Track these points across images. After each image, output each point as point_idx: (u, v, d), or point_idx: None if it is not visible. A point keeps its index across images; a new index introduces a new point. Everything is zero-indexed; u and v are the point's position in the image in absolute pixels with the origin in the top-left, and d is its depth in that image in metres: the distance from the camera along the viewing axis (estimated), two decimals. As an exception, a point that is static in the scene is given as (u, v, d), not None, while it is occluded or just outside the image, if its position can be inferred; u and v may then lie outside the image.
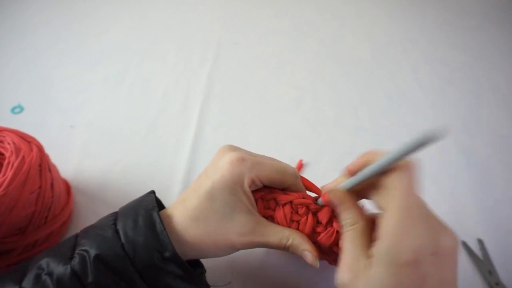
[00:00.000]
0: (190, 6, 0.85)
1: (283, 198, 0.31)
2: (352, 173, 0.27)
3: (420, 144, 0.22)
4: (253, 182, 0.30)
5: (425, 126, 0.58)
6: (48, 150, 0.42)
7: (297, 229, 0.30)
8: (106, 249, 0.27)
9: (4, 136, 0.38)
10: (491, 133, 0.57)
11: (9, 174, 0.34)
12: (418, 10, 0.85)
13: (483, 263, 0.41)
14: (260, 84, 0.65)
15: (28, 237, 0.36)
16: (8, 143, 0.37)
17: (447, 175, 0.51)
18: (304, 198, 0.31)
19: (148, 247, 0.27)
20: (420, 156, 0.54)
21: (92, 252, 0.26)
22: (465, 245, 0.43)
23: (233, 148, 0.32)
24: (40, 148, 0.39)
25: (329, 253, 0.31)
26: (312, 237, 0.30)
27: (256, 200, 0.31)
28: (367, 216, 0.27)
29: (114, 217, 0.29)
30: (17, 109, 0.59)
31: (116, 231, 0.28)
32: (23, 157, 0.36)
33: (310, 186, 0.34)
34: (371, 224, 0.27)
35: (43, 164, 0.38)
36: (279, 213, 0.31)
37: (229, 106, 0.61)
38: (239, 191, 0.29)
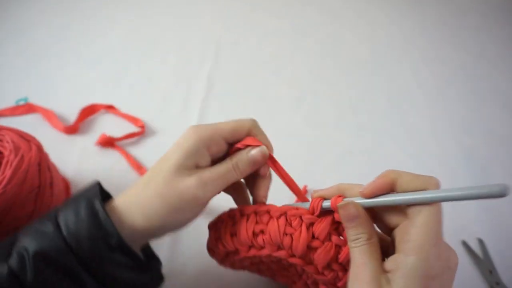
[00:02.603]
0: (190, 6, 0.85)
1: (277, 209, 0.29)
2: (370, 195, 0.26)
3: (476, 197, 0.20)
4: (211, 138, 0.29)
5: (425, 126, 0.58)
6: (48, 149, 0.42)
7: (290, 245, 0.27)
8: (47, 244, 0.25)
9: (3, 135, 0.38)
10: (491, 133, 0.57)
11: (8, 172, 0.34)
12: (418, 10, 0.85)
13: (483, 263, 0.41)
14: (260, 84, 0.65)
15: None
16: (7, 142, 0.37)
17: (447, 175, 0.51)
18: (297, 209, 0.28)
19: (92, 238, 0.26)
20: (420, 156, 0.55)
21: (31, 249, 0.25)
22: (465, 244, 0.43)
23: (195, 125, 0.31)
24: (39, 147, 0.39)
25: (325, 273, 0.28)
26: (307, 255, 0.27)
27: (248, 216, 0.29)
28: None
29: (56, 210, 0.28)
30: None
31: (57, 225, 0.26)
32: (22, 156, 0.36)
33: (288, 182, 0.31)
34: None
35: (42, 163, 0.38)
36: (273, 226, 0.28)
37: (229, 106, 0.61)
38: (195, 151, 0.28)
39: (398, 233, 0.24)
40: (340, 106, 0.61)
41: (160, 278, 0.31)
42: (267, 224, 0.28)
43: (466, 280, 0.40)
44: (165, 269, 0.33)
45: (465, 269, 0.41)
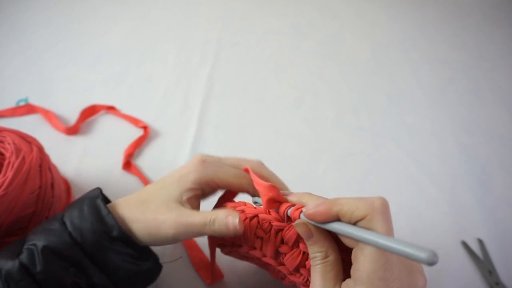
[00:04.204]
0: (190, 6, 0.85)
1: (251, 211, 0.29)
2: (310, 218, 0.25)
3: (410, 256, 0.18)
4: (207, 183, 0.31)
5: (425, 126, 0.58)
6: (49, 150, 0.42)
7: (261, 247, 0.29)
8: (54, 240, 0.28)
9: (4, 137, 0.38)
10: (491, 133, 0.57)
11: (10, 174, 0.34)
12: (418, 10, 0.85)
13: (483, 263, 0.41)
14: (260, 84, 0.65)
15: (29, 237, 0.36)
16: (9, 144, 0.37)
17: (447, 175, 0.51)
18: (269, 213, 0.28)
19: (95, 231, 0.28)
20: (420, 156, 0.55)
21: (40, 244, 0.27)
22: (465, 245, 0.43)
23: (204, 155, 0.33)
24: (40, 149, 0.39)
25: (296, 275, 0.29)
26: (277, 258, 0.29)
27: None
28: (338, 247, 0.26)
29: (61, 213, 0.31)
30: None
31: (63, 223, 0.29)
32: (24, 158, 0.36)
33: (260, 189, 0.29)
34: (342, 255, 0.25)
35: (44, 164, 0.38)
36: (246, 226, 0.29)
37: (229, 106, 0.61)
38: (186, 190, 0.30)
39: (353, 255, 0.23)
40: (340, 106, 0.61)
41: (159, 266, 0.33)
42: (243, 221, 0.29)
43: (465, 280, 0.40)
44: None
45: (465, 269, 0.41)
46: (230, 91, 0.63)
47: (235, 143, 0.55)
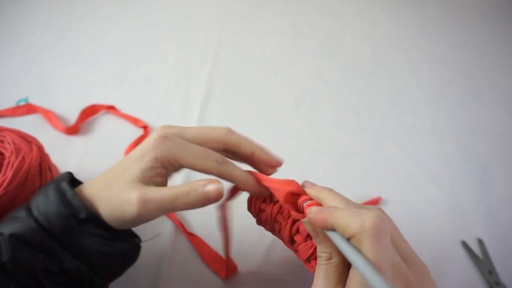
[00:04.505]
0: (190, 6, 0.85)
1: (278, 193, 0.29)
2: (314, 224, 0.25)
3: None
4: (168, 161, 0.29)
5: (425, 126, 0.58)
6: (49, 150, 0.42)
7: (279, 231, 0.30)
8: (20, 227, 0.27)
9: (4, 136, 0.38)
10: (491, 133, 0.57)
11: (9, 174, 0.34)
12: (417, 10, 0.85)
13: (483, 263, 0.41)
14: (260, 84, 0.65)
15: (28, 237, 0.36)
16: (8, 143, 0.37)
17: (447, 175, 0.51)
18: (292, 202, 0.29)
19: (61, 214, 0.27)
20: (420, 156, 0.55)
21: (6, 232, 0.27)
22: (465, 245, 0.43)
23: (167, 127, 0.30)
24: (40, 148, 0.39)
25: (308, 266, 0.29)
26: (293, 244, 0.30)
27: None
28: None
29: (28, 201, 0.30)
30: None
31: (29, 209, 0.28)
32: (23, 157, 0.36)
33: (270, 186, 0.29)
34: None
35: (44, 164, 0.38)
36: (268, 209, 0.30)
37: (229, 106, 0.61)
38: (148, 169, 0.28)
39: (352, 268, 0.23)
40: (340, 106, 0.61)
41: (136, 246, 0.31)
42: (268, 205, 0.30)
43: (465, 280, 0.40)
44: None
45: (465, 269, 0.41)
46: (230, 91, 0.63)
47: (235, 143, 0.55)
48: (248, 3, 0.86)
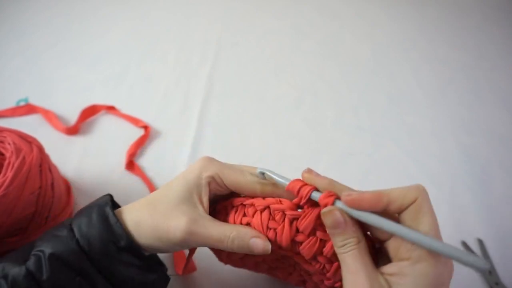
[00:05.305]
0: (190, 6, 0.85)
1: (261, 203, 0.29)
2: (352, 205, 0.25)
3: (461, 260, 0.21)
4: (214, 180, 0.30)
5: (425, 126, 0.58)
6: (49, 150, 0.42)
7: (275, 238, 0.28)
8: (61, 247, 0.27)
9: (4, 137, 0.38)
10: (491, 133, 0.57)
11: (10, 174, 0.34)
12: (418, 10, 0.85)
13: (483, 263, 0.41)
14: (260, 84, 0.65)
15: (29, 237, 0.36)
16: (9, 144, 0.37)
17: (447, 175, 0.51)
18: (280, 203, 0.28)
19: (102, 240, 0.27)
20: (420, 156, 0.55)
21: (47, 251, 0.27)
22: (465, 245, 0.43)
23: (209, 157, 0.32)
24: (40, 149, 0.39)
25: (313, 263, 0.28)
26: (293, 248, 0.28)
27: (237, 208, 0.30)
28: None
29: (70, 219, 0.30)
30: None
31: (71, 229, 0.28)
32: (24, 158, 0.36)
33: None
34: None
35: (44, 165, 0.38)
36: (256, 220, 0.28)
37: (229, 106, 0.61)
38: (196, 186, 0.29)
39: (392, 250, 0.24)
40: (340, 106, 0.61)
41: (165, 277, 0.32)
42: (252, 216, 0.29)
43: (465, 280, 0.40)
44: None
45: (465, 269, 0.41)
46: (230, 91, 0.63)
47: (235, 143, 0.55)
48: (248, 3, 0.86)
